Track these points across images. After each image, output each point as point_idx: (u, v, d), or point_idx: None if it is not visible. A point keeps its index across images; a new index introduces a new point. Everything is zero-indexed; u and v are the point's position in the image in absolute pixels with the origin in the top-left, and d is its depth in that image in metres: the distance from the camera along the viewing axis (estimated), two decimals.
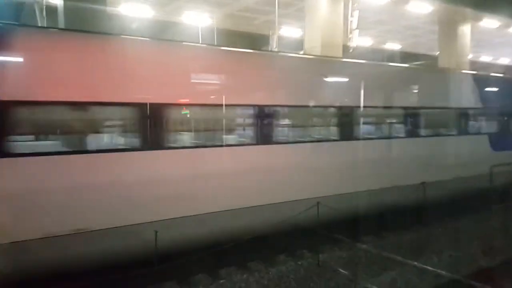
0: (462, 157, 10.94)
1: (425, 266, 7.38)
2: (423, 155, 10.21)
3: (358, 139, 9.04)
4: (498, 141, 12.10)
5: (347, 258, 7.88)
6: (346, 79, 9.37)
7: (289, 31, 22.37)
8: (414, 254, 7.90)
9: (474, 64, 28.12)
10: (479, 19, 21.18)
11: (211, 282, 6.85)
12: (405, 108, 10.10)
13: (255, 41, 24.38)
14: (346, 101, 8.96)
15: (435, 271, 7.21)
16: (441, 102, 10.99)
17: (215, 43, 17.81)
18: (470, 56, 22.71)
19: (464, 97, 11.68)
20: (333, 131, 8.99)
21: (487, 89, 12.47)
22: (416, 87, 10.92)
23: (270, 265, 7.57)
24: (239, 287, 6.66)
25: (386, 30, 25.03)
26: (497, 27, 22.77)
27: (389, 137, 9.98)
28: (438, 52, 22.55)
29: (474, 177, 10.87)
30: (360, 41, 19.94)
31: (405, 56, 31.73)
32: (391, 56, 30.54)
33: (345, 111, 8.85)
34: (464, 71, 14.76)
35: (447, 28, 20.99)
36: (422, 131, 10.44)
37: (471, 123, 11.68)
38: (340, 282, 6.83)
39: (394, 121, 10.21)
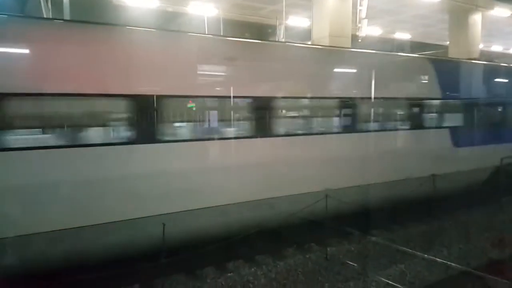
0: (410, 155, 9.68)
1: (433, 258, 7.29)
2: (360, 154, 8.83)
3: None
4: (461, 136, 10.57)
5: (356, 251, 7.81)
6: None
7: (296, 21, 22.07)
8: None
9: (485, 54, 27.66)
10: (490, 7, 20.73)
11: (219, 276, 6.81)
12: (340, 99, 8.66)
13: (262, 31, 24.15)
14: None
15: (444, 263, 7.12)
16: (387, 92, 9.43)
17: (221, 33, 17.62)
18: (481, 46, 22.29)
19: (419, 86, 10.33)
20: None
21: (449, 76, 10.84)
22: (350, 72, 9.32)
23: (278, 258, 7.51)
24: (247, 280, 6.61)
25: (396, 20, 24.62)
26: (509, 16, 22.29)
27: (313, 133, 8.65)
28: (449, 42, 22.19)
29: (421, 179, 9.28)
30: (369, 30, 19.64)
31: (415, 46, 31.32)
32: (401, 46, 30.17)
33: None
34: (417, 55, 12.31)
35: (458, 17, 20.58)
36: (361, 126, 8.97)
37: (427, 115, 10.16)
38: (349, 275, 6.75)
39: (326, 114, 9.05)
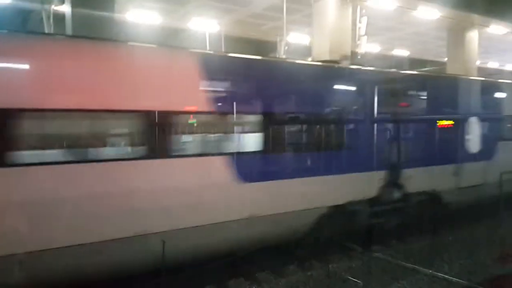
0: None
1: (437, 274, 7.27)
2: None
3: None
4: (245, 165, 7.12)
5: (357, 267, 7.77)
6: None
7: (297, 37, 22.33)
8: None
9: (482, 71, 27.94)
10: (486, 25, 21.04)
11: None
12: None
13: (263, 47, 24.40)
14: None
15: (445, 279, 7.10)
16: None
17: (223, 49, 17.80)
18: (478, 62, 22.55)
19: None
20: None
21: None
22: None
23: (279, 276, 7.46)
24: None
25: (394, 37, 24.94)
26: (504, 34, 22.63)
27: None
28: (446, 58, 22.45)
29: None
30: (368, 47, 19.86)
31: (413, 63, 31.65)
32: (400, 62, 30.48)
33: None
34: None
35: (455, 34, 20.89)
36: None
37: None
38: None
39: None
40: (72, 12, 10.65)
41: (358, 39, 16.31)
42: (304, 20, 19.17)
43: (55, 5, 12.83)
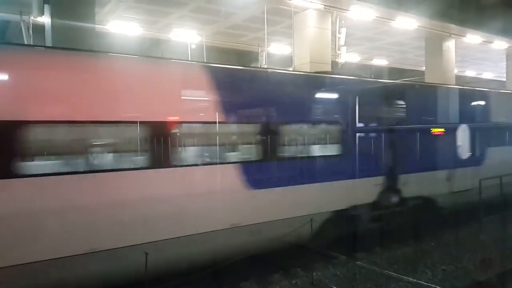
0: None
1: (420, 281, 7.33)
2: None
3: None
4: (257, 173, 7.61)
5: (341, 275, 7.79)
6: None
7: (278, 48, 22.55)
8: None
9: (459, 79, 28.62)
10: (463, 35, 21.62)
11: None
12: None
13: (245, 58, 24.57)
14: None
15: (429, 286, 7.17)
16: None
17: (205, 60, 17.83)
18: (455, 71, 23.09)
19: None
20: None
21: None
22: None
23: (263, 285, 7.42)
24: None
25: (373, 47, 25.39)
26: (480, 43, 23.27)
27: None
28: (425, 67, 22.92)
29: None
30: (348, 57, 20.17)
31: (392, 72, 32.24)
32: (379, 71, 31.03)
33: None
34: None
35: (433, 44, 21.37)
36: None
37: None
38: None
39: None
40: (52, 23, 10.53)
41: (338, 49, 16.59)
42: (285, 31, 19.38)
43: (34, 16, 12.68)
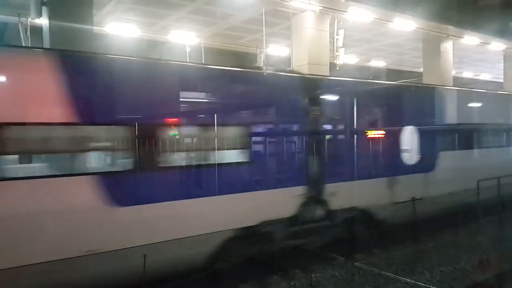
0: None
1: (418, 283, 7.33)
2: None
3: None
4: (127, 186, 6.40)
5: (340, 276, 7.79)
6: None
7: (276, 49, 22.58)
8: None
9: (457, 80, 28.70)
10: (460, 36, 21.69)
11: None
12: None
13: (243, 59, 24.57)
14: None
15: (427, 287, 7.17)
16: None
17: (203, 62, 17.83)
18: (453, 72, 23.15)
19: None
20: None
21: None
22: None
23: (262, 287, 7.42)
24: None
25: (371, 48, 25.45)
26: (478, 44, 23.34)
27: None
28: (422, 69, 22.97)
29: None
30: (346, 59, 20.19)
31: (390, 73, 32.32)
32: (377, 73, 31.09)
33: None
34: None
35: (430, 45, 21.42)
36: None
37: None
38: None
39: None
40: (50, 25, 10.52)
41: (336, 51, 16.62)
42: (283, 33, 19.41)
43: (32, 18, 12.66)
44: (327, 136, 9.10)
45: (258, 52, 18.30)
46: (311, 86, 8.87)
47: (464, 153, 11.71)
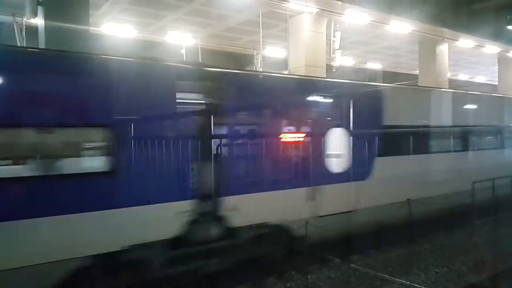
0: None
1: (413, 284, 7.34)
2: None
3: None
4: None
5: (336, 278, 7.79)
6: None
7: (273, 51, 22.61)
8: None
9: (452, 83, 28.86)
10: (456, 39, 21.82)
11: None
12: None
13: (240, 61, 24.60)
14: None
15: None
16: None
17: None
18: (449, 75, 23.28)
19: None
20: None
21: None
22: None
23: None
24: None
25: (367, 51, 25.54)
26: (473, 47, 23.49)
27: None
28: (418, 71, 23.09)
29: None
30: (343, 61, 20.27)
31: (386, 76, 32.45)
32: (373, 75, 31.19)
33: None
34: None
35: (426, 48, 21.54)
36: None
37: None
38: None
39: None
40: (45, 25, 10.47)
41: (333, 53, 16.68)
42: (280, 35, 19.44)
43: (28, 18, 12.59)
44: (228, 139, 7.43)
45: (255, 53, 18.32)
46: (202, 76, 7.27)
47: (409, 158, 10.23)
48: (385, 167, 9.44)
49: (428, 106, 11.18)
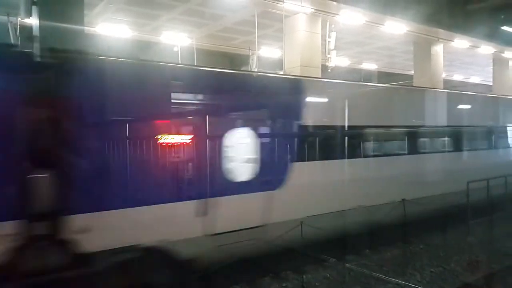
0: None
1: (408, 283, 7.37)
2: None
3: None
4: None
5: (331, 278, 7.80)
6: None
7: (268, 51, 22.62)
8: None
9: (447, 83, 28.96)
10: (451, 39, 21.91)
11: None
12: None
13: (235, 61, 24.60)
14: None
15: None
16: None
17: (195, 63, 17.81)
18: (443, 75, 23.37)
19: None
20: None
21: None
22: None
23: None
24: None
25: (363, 51, 25.60)
26: (468, 48, 23.60)
27: None
28: (413, 71, 23.16)
29: None
30: (338, 61, 20.30)
31: (381, 76, 32.53)
32: (368, 75, 31.28)
33: None
34: None
35: (421, 48, 21.60)
36: None
37: None
38: None
39: None
40: (40, 24, 10.42)
41: (328, 53, 16.70)
42: (275, 35, 19.44)
43: (22, 18, 12.53)
44: (81, 139, 5.95)
45: (250, 53, 18.32)
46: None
47: (335, 164, 8.93)
48: (310, 174, 8.33)
49: (366, 102, 9.88)
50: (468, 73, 35.44)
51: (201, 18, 18.09)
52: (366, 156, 9.53)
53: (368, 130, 9.65)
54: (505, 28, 22.57)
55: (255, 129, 7.71)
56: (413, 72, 23.33)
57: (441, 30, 20.41)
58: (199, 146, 6.93)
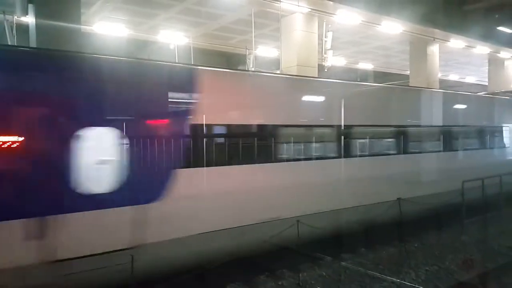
0: None
1: (404, 282, 7.42)
2: None
3: None
4: None
5: (327, 276, 7.84)
6: None
7: (265, 50, 22.65)
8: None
9: (443, 83, 29.10)
10: (447, 39, 22.02)
11: None
12: None
13: (232, 60, 24.61)
14: None
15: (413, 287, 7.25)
16: None
17: (192, 62, 17.81)
18: (439, 75, 23.48)
19: None
20: None
21: None
22: None
23: (249, 287, 7.42)
24: None
25: (359, 51, 25.67)
26: (463, 48, 23.72)
27: None
28: (409, 71, 23.26)
29: None
30: (334, 61, 20.37)
31: (377, 76, 32.64)
32: (364, 75, 31.37)
33: None
34: None
35: (417, 48, 21.71)
36: None
37: None
38: None
39: None
40: (36, 23, 10.40)
41: (325, 53, 16.75)
42: (272, 34, 19.48)
43: (18, 16, 12.51)
44: None
45: (247, 53, 18.35)
46: None
47: (240, 169, 7.61)
48: (195, 182, 6.91)
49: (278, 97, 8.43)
50: (463, 73, 35.61)
51: (198, 17, 18.10)
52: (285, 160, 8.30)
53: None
54: (500, 28, 22.70)
55: (120, 128, 6.18)
56: (409, 71, 23.44)
57: (437, 30, 20.51)
58: (31, 149, 5.45)
